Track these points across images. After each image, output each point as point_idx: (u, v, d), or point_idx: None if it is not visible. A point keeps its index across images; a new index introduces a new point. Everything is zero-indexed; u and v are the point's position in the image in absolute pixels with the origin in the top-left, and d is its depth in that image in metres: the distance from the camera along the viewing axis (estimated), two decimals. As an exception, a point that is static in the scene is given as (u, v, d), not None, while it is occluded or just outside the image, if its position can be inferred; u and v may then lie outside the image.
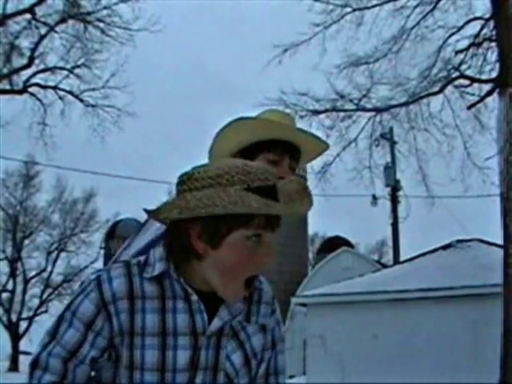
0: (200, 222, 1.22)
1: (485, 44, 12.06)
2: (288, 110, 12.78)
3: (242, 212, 1.19)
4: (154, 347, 1.23)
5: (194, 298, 1.27)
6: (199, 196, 1.21)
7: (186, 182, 1.25)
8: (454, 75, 12.38)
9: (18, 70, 14.90)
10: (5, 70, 14.67)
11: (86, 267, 32.86)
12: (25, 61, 14.86)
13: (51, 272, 33.57)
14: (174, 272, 1.27)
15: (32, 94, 15.31)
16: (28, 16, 14.32)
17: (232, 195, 1.19)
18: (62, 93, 15.55)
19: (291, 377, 18.27)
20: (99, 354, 1.25)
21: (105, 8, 14.38)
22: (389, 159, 16.93)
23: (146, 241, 1.94)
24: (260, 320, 1.37)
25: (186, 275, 1.28)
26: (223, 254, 1.22)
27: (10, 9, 14.03)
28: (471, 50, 12.20)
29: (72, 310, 1.26)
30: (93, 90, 15.45)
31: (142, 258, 1.32)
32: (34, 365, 1.25)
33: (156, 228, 1.91)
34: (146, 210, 1.33)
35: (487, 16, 11.58)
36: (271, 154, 1.89)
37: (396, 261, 16.70)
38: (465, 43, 12.26)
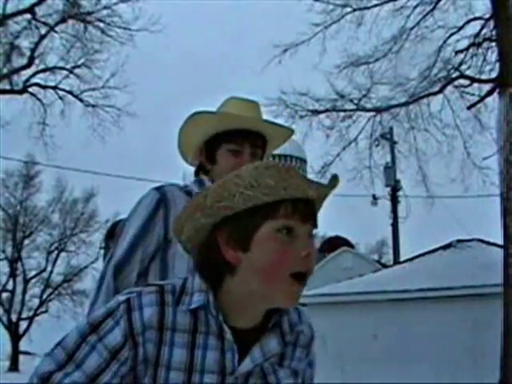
0: (225, 225, 1.16)
1: (485, 44, 12.06)
2: (288, 110, 12.81)
3: (262, 197, 1.13)
4: (179, 383, 1.16)
5: (229, 337, 1.17)
6: (212, 194, 1.15)
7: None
8: (454, 75, 12.38)
9: (18, 70, 14.90)
10: (5, 70, 14.68)
11: (85, 267, 32.88)
12: (25, 61, 14.87)
13: (51, 272, 33.56)
14: (213, 307, 1.17)
15: (32, 94, 15.33)
16: (28, 16, 14.33)
17: (247, 177, 1.13)
18: (62, 93, 15.58)
19: (291, 377, 18.29)
20: (119, 381, 1.17)
21: (105, 8, 14.39)
22: (389, 159, 16.93)
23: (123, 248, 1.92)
24: (293, 364, 1.27)
25: (223, 306, 1.18)
26: (256, 254, 1.14)
27: (10, 9, 14.06)
28: (471, 50, 12.20)
29: (99, 336, 1.15)
30: (93, 90, 15.48)
31: (177, 285, 1.20)
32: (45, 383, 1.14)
33: (131, 234, 1.91)
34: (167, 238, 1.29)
35: (487, 16, 11.58)
36: (231, 144, 1.94)
37: (396, 261, 16.70)
38: (465, 43, 12.27)
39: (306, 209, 1.17)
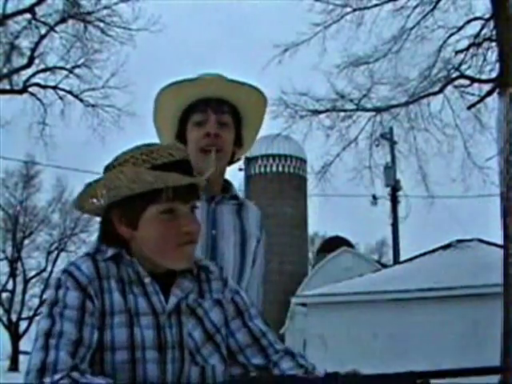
0: (117, 207, 1.31)
1: (485, 44, 12.05)
2: (288, 110, 12.81)
3: (143, 189, 1.26)
4: (123, 325, 1.26)
5: (147, 280, 1.32)
6: (103, 182, 1.30)
7: (105, 170, 1.35)
8: (454, 75, 12.37)
9: (17, 70, 14.88)
10: (5, 70, 14.66)
11: (85, 267, 32.86)
12: (25, 61, 14.84)
13: (51, 272, 33.49)
14: (126, 254, 1.33)
15: (32, 94, 15.30)
16: (28, 16, 14.30)
17: (128, 174, 1.26)
18: (62, 93, 15.55)
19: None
20: (98, 334, 1.24)
21: (105, 8, 14.36)
22: (389, 159, 16.93)
23: None
24: (214, 296, 1.40)
25: (137, 257, 1.33)
26: (144, 232, 1.30)
27: (10, 9, 14.01)
28: (471, 50, 12.19)
29: (60, 305, 1.23)
30: (93, 89, 15.45)
31: (96, 246, 1.36)
32: (43, 370, 1.14)
33: None
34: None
35: (487, 16, 11.57)
36: (195, 114, 1.85)
37: (396, 261, 16.69)
38: (465, 43, 12.25)
39: (187, 191, 1.30)
